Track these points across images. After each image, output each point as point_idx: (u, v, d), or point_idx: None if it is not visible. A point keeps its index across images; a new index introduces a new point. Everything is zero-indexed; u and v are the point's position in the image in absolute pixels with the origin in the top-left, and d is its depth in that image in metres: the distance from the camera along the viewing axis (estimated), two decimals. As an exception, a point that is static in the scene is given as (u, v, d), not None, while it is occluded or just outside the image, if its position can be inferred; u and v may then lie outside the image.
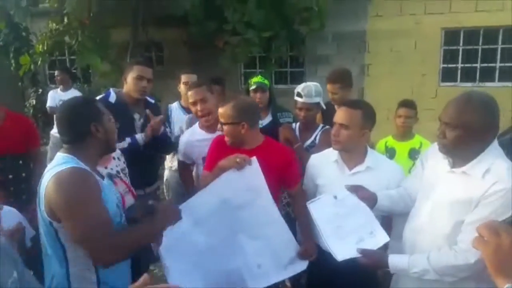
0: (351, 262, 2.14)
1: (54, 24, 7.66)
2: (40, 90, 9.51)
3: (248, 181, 2.32)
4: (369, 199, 2.21)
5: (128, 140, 2.97)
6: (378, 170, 2.40)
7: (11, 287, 1.31)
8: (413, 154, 3.58)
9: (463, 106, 1.85)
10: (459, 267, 1.82)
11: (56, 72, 6.70)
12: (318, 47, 8.99)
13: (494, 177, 1.79)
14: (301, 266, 2.47)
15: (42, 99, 9.48)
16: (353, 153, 2.42)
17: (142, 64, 3.24)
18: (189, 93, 3.11)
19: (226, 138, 2.52)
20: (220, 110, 2.51)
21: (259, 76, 3.72)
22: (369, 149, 2.50)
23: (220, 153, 2.49)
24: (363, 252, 2.06)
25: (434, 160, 2.09)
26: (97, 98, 3.08)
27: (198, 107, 2.99)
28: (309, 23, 7.53)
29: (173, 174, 4.01)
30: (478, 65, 8.61)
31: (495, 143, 1.88)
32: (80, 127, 1.89)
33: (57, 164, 1.81)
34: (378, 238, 2.12)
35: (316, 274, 2.67)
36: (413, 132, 3.76)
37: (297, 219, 2.66)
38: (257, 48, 7.52)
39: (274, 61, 8.48)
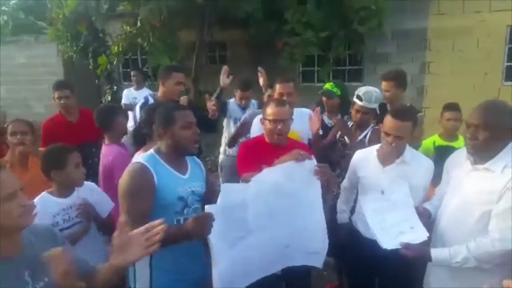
0: (391, 254, 2.41)
1: (128, 27, 8.37)
2: (115, 88, 10.30)
3: (305, 174, 2.60)
4: (423, 216, 2.46)
5: None
6: (412, 165, 2.64)
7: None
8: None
9: (492, 110, 2.12)
10: (496, 253, 2.04)
11: (132, 73, 7.33)
12: (377, 45, 9.02)
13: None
14: (320, 262, 2.77)
15: (116, 95, 10.28)
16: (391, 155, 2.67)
17: (179, 71, 3.80)
18: (278, 85, 3.58)
19: (276, 137, 2.83)
20: (282, 109, 2.84)
21: (331, 84, 4.08)
22: (407, 145, 2.73)
23: (262, 153, 2.81)
24: (407, 245, 2.27)
25: (457, 164, 2.38)
26: (138, 105, 3.66)
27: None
28: (367, 22, 7.63)
29: (226, 159, 4.69)
30: (544, 63, 8.29)
31: (510, 143, 2.13)
32: (156, 129, 2.36)
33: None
34: (418, 233, 2.34)
35: (355, 261, 2.98)
36: (458, 134, 3.88)
37: None
38: (315, 48, 7.73)
39: (332, 60, 8.65)
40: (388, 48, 9.15)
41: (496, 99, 2.39)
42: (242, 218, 2.45)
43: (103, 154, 3.39)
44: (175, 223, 2.26)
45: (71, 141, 3.17)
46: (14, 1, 16.18)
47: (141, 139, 3.25)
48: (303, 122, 3.56)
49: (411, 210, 2.42)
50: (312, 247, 2.70)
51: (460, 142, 3.75)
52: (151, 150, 2.39)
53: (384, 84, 3.88)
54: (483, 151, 2.14)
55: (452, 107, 3.91)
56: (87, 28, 8.34)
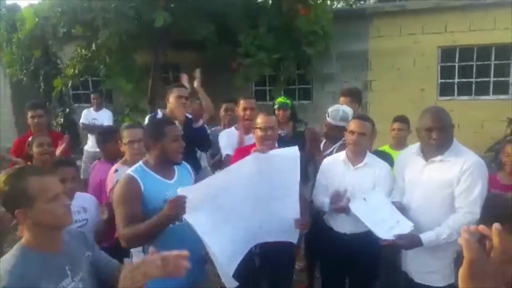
0: (357, 241, 2.93)
1: (82, 50, 8.42)
2: (67, 110, 10.24)
3: (287, 160, 2.96)
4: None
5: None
6: (372, 166, 3.13)
7: (85, 262, 1.84)
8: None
9: (441, 114, 2.69)
10: (470, 223, 2.46)
11: (92, 96, 7.45)
12: (324, 66, 9.55)
13: (462, 158, 2.61)
14: (295, 238, 3.07)
15: (69, 117, 10.23)
16: (357, 154, 3.14)
17: (180, 86, 4.04)
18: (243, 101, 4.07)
19: (266, 142, 3.16)
20: (270, 118, 3.24)
21: (283, 97, 4.64)
22: (367, 151, 3.21)
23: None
24: (400, 236, 2.70)
25: (409, 161, 2.90)
26: (148, 116, 3.88)
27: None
28: (315, 45, 8.15)
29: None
30: (473, 79, 9.13)
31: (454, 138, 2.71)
32: (145, 140, 2.65)
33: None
34: (404, 225, 2.76)
35: (328, 255, 3.35)
36: (407, 142, 4.34)
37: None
38: (268, 69, 8.14)
39: (283, 79, 9.12)
40: (334, 69, 9.75)
41: (436, 106, 3.00)
42: (223, 203, 2.74)
43: (96, 169, 3.63)
44: None
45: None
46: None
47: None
48: None
49: (392, 208, 2.86)
50: (285, 226, 2.99)
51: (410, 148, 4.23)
52: (140, 162, 2.66)
53: (341, 99, 4.32)
54: (443, 146, 2.65)
55: (397, 119, 4.43)
56: (41, 51, 8.31)
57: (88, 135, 7.18)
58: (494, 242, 0.94)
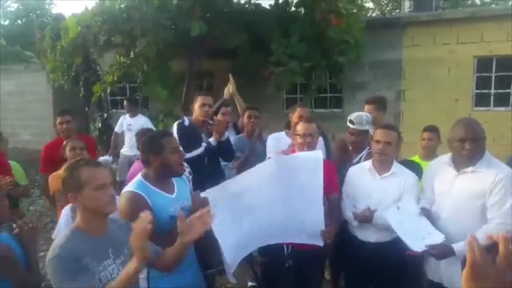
0: (381, 250, 2.97)
1: (121, 57, 8.77)
2: (105, 115, 10.63)
3: (311, 163, 3.07)
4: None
5: (204, 144, 3.85)
6: (399, 176, 3.17)
7: (127, 249, 2.01)
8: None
9: (474, 125, 2.74)
10: None
11: (125, 103, 7.75)
12: (356, 75, 9.55)
13: (495, 170, 2.64)
14: (319, 242, 3.11)
15: (106, 122, 10.63)
16: (384, 164, 3.19)
17: (203, 94, 4.20)
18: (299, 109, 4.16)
19: (306, 149, 3.27)
20: (309, 125, 3.35)
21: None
22: (394, 160, 3.26)
23: None
24: (433, 246, 2.73)
25: (440, 171, 2.92)
26: (176, 123, 4.02)
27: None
28: (347, 54, 8.18)
29: None
30: (510, 90, 8.90)
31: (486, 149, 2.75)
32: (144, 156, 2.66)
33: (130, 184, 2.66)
34: (435, 236, 2.79)
35: (352, 263, 3.40)
36: (437, 153, 4.29)
37: (330, 214, 3.24)
38: (299, 77, 8.21)
39: (314, 88, 9.18)
40: (366, 77, 9.71)
41: (469, 117, 3.03)
42: (245, 200, 2.88)
43: (135, 167, 3.85)
44: None
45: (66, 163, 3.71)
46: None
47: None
48: None
49: (424, 219, 2.89)
50: (309, 228, 3.07)
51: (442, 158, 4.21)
52: (139, 177, 2.62)
53: (366, 108, 4.37)
54: (475, 157, 2.68)
55: (427, 128, 4.43)
56: (82, 58, 8.72)
57: (125, 139, 7.46)
58: (499, 248, 1.03)
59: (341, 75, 9.29)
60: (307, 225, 3.06)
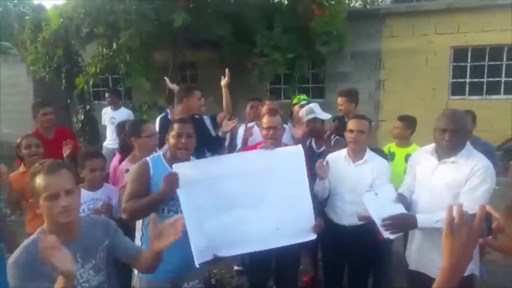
0: (354, 232, 3.15)
1: (104, 49, 8.73)
2: (88, 107, 10.55)
3: (291, 158, 3.18)
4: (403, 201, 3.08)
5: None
6: (372, 163, 3.38)
7: (101, 251, 2.03)
8: (408, 159, 4.40)
9: (456, 116, 2.80)
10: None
11: (106, 94, 7.70)
12: (337, 65, 9.74)
13: (474, 160, 2.73)
14: (312, 236, 3.18)
15: (89, 114, 10.56)
16: (357, 152, 3.39)
17: (198, 89, 4.46)
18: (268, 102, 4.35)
19: (270, 141, 3.37)
20: (273, 118, 3.46)
21: (304, 95, 4.92)
22: (367, 148, 3.45)
23: None
24: (394, 216, 2.82)
25: (422, 160, 3.03)
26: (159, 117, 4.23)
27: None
28: (329, 45, 8.35)
29: None
30: (484, 79, 9.28)
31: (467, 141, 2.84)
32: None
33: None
34: None
35: (328, 244, 3.58)
36: (411, 140, 4.53)
37: None
38: (282, 68, 8.38)
39: (297, 78, 9.33)
40: (347, 68, 9.95)
41: (452, 108, 3.09)
42: (223, 190, 2.96)
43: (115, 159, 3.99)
44: (160, 212, 2.72)
45: (47, 156, 3.52)
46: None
47: (127, 149, 3.85)
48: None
49: (400, 206, 2.98)
50: (302, 225, 3.15)
51: (412, 148, 4.31)
52: (160, 152, 3.02)
53: (339, 99, 4.63)
54: (454, 148, 2.78)
55: (401, 117, 4.61)
56: (64, 50, 8.64)
57: (107, 132, 7.47)
58: (477, 213, 1.31)
59: (323, 66, 9.46)
60: (300, 222, 3.14)
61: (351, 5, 9.98)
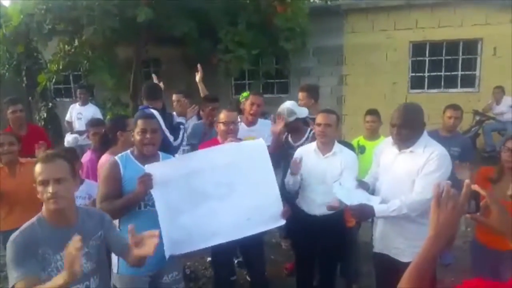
0: (324, 222, 3.29)
1: (65, 46, 8.58)
2: (50, 104, 10.37)
3: (256, 151, 3.28)
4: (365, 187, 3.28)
5: None
6: (340, 155, 3.52)
7: (95, 240, 2.18)
8: (379, 150, 4.62)
9: (407, 112, 2.95)
10: (420, 202, 2.80)
11: (78, 91, 7.65)
12: (301, 61, 9.92)
13: (430, 149, 2.89)
14: (281, 222, 3.30)
15: (51, 112, 10.39)
16: (326, 144, 3.51)
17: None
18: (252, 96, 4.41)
19: (229, 136, 3.49)
20: (231, 114, 3.56)
21: (247, 92, 5.05)
22: (335, 141, 3.58)
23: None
24: (355, 206, 2.99)
25: (385, 150, 3.21)
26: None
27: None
28: (292, 41, 8.50)
29: None
30: (442, 73, 9.67)
31: (425, 132, 3.00)
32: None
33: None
34: (373, 201, 3.06)
35: (300, 233, 3.72)
36: (379, 133, 4.72)
37: None
38: (247, 64, 8.46)
39: (262, 74, 9.45)
40: (310, 63, 10.16)
41: (408, 102, 3.24)
42: (195, 187, 3.03)
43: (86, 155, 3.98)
44: (138, 208, 2.81)
45: (20, 153, 3.70)
46: None
47: (107, 144, 3.85)
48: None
49: (361, 190, 3.20)
50: (271, 213, 3.26)
51: (382, 140, 4.33)
52: (128, 151, 2.98)
53: (299, 95, 4.74)
54: (406, 141, 2.95)
55: (369, 112, 4.78)
56: (24, 47, 8.45)
57: (75, 127, 7.37)
58: (463, 189, 1.44)
59: (287, 61, 9.61)
60: (269, 210, 3.25)
61: (312, 1, 10.10)
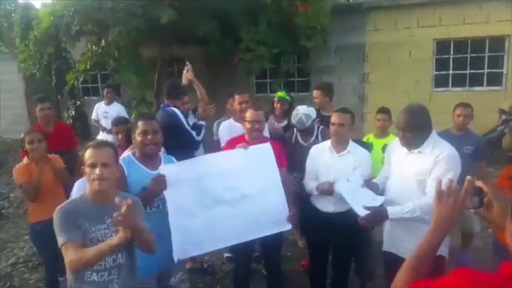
0: (337, 219, 3.36)
1: (93, 46, 8.89)
2: (78, 103, 10.73)
3: (262, 156, 3.40)
4: (373, 188, 3.35)
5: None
6: (354, 153, 3.58)
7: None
8: (385, 148, 4.62)
9: (408, 116, 2.97)
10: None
11: (105, 90, 7.87)
12: (322, 59, 9.93)
13: (438, 150, 2.92)
14: (287, 226, 3.48)
15: (79, 110, 10.75)
16: (340, 143, 3.58)
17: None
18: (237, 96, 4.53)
19: (254, 134, 3.63)
20: (257, 113, 3.67)
21: (283, 92, 5.06)
22: (350, 140, 3.64)
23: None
24: (370, 209, 3.06)
25: (396, 150, 3.25)
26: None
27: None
28: (313, 40, 8.54)
29: None
30: (467, 71, 9.48)
31: (434, 131, 3.01)
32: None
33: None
34: (377, 201, 3.16)
35: (314, 230, 3.82)
36: (389, 131, 4.75)
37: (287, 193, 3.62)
38: (267, 63, 8.55)
39: (283, 72, 9.52)
40: (332, 61, 10.14)
41: (413, 103, 3.24)
42: (205, 189, 3.15)
43: None
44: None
45: (48, 148, 3.90)
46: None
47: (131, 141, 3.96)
48: None
49: (367, 189, 3.29)
50: (277, 217, 3.41)
51: (389, 138, 4.51)
52: (129, 153, 3.05)
53: (314, 93, 4.82)
54: (412, 144, 2.99)
55: (381, 110, 4.82)
56: (54, 47, 8.79)
57: (102, 125, 7.62)
58: (464, 185, 1.51)
59: (308, 60, 9.66)
60: (275, 214, 3.39)
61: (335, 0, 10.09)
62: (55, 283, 4.03)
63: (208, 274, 4.86)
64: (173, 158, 3.26)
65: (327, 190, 3.44)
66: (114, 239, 2.12)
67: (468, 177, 1.52)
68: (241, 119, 4.46)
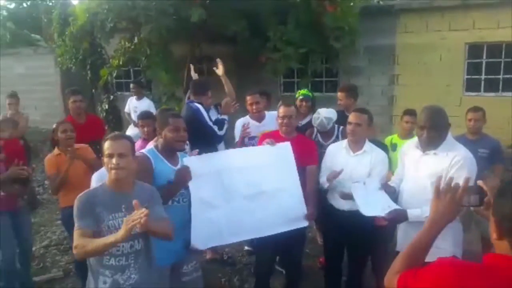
0: (353, 216, 3.38)
1: (126, 43, 9.19)
2: (112, 97, 11.09)
3: (281, 153, 3.51)
4: (389, 191, 3.39)
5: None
6: (370, 153, 3.63)
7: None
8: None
9: (433, 114, 3.01)
10: None
11: (131, 85, 8.19)
12: (351, 60, 9.88)
13: (454, 153, 2.96)
14: (304, 223, 3.56)
15: (112, 104, 11.11)
16: (356, 143, 3.64)
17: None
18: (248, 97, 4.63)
19: (284, 128, 3.77)
20: (288, 108, 3.80)
21: (306, 90, 5.17)
22: (366, 140, 3.69)
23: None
24: (390, 212, 3.11)
25: (410, 151, 3.28)
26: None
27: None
28: (341, 40, 8.54)
29: None
30: (501, 76, 9.21)
31: (450, 134, 3.05)
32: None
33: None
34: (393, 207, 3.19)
35: (329, 227, 3.92)
36: (414, 133, 4.73)
37: (308, 191, 3.70)
38: (294, 62, 8.61)
39: (310, 72, 9.56)
40: (361, 62, 10.07)
41: (431, 105, 3.27)
42: (226, 182, 3.27)
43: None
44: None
45: (79, 139, 4.13)
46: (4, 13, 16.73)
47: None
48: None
49: (384, 194, 3.31)
50: (294, 214, 3.50)
51: (415, 139, 4.60)
52: (152, 146, 3.21)
53: (338, 94, 4.87)
54: (434, 143, 3.01)
55: (410, 112, 4.83)
56: (89, 43, 9.14)
57: (132, 119, 7.91)
58: (462, 184, 1.60)
59: (336, 60, 9.66)
60: (292, 211, 3.49)
61: (364, 0, 10.04)
62: (84, 265, 4.23)
63: (227, 265, 5.05)
64: (187, 155, 3.38)
65: (334, 174, 3.52)
66: (111, 237, 2.23)
67: (467, 175, 1.59)
68: (257, 118, 4.63)
